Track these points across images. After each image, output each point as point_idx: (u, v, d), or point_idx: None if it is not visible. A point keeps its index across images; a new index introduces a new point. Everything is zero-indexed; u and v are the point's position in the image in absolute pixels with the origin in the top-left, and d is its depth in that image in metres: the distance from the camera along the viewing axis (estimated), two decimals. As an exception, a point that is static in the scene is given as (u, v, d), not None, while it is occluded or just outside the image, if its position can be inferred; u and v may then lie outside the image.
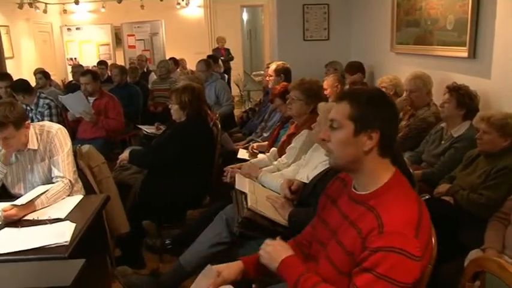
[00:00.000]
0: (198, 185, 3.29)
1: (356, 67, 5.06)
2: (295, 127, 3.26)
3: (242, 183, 2.61)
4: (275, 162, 3.20)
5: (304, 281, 1.52)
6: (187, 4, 10.93)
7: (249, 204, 2.33)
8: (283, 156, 3.15)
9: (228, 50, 9.90)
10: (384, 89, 3.84)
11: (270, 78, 4.78)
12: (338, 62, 5.56)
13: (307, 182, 2.51)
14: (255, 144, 3.95)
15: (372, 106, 1.47)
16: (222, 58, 9.39)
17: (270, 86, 4.85)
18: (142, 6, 9.99)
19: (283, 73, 4.70)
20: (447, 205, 2.65)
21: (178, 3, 10.86)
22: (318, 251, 1.66)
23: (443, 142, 3.13)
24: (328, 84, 4.51)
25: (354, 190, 1.57)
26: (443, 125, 3.20)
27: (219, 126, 3.66)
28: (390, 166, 1.53)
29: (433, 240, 1.51)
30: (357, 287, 1.36)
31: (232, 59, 9.96)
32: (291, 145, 3.09)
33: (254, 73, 9.66)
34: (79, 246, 2.00)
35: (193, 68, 7.71)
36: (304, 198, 2.42)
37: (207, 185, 3.37)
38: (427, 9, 4.02)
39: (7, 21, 8.85)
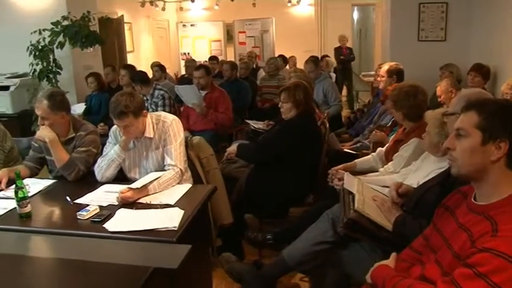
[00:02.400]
0: (302, 182, 3.27)
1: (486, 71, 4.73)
2: (403, 133, 3.08)
3: (351, 183, 2.54)
4: (381, 169, 3.07)
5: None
6: (298, 2, 10.95)
7: (355, 205, 2.27)
8: (390, 163, 3.00)
9: (350, 49, 9.59)
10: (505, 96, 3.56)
11: (382, 79, 4.63)
12: (454, 64, 5.24)
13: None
14: None
15: (502, 116, 1.48)
16: (342, 57, 9.23)
17: (381, 87, 4.69)
18: (254, 4, 10.17)
19: (396, 74, 4.52)
20: None
21: (289, 1, 10.91)
22: (428, 258, 1.66)
23: None
24: (441, 90, 4.27)
25: (473, 201, 1.56)
26: None
27: (327, 125, 3.61)
28: None
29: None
30: (454, 277, 1.37)
31: (353, 58, 9.63)
32: (399, 153, 2.93)
33: (363, 73, 9.42)
34: (186, 232, 2.07)
35: (300, 67, 7.72)
36: (410, 204, 2.30)
37: (312, 184, 3.34)
38: None
39: (130, 19, 9.53)
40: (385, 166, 3.05)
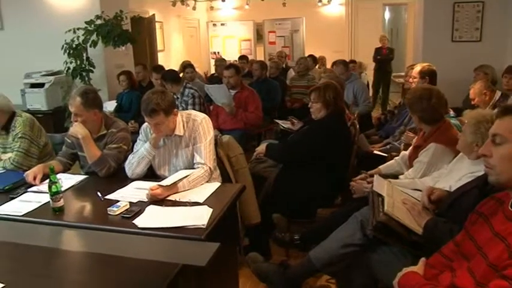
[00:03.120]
0: (331, 184, 3.25)
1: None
2: (422, 138, 2.99)
3: (380, 185, 2.51)
4: (401, 176, 3.01)
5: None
6: (329, 1, 10.87)
7: (385, 208, 2.24)
8: (410, 170, 2.95)
9: (391, 49, 9.32)
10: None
11: (414, 80, 4.54)
12: (489, 66, 5.11)
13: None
14: None
15: None
16: (378, 57, 9.08)
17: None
18: (284, 4, 10.14)
19: (428, 75, 4.43)
20: None
21: (320, 1, 10.84)
22: (460, 265, 1.62)
23: None
24: (475, 92, 4.17)
25: (511, 209, 1.51)
26: None
27: (357, 126, 3.57)
28: None
29: None
30: None
31: (391, 59, 9.34)
32: (418, 159, 2.87)
33: (394, 74, 9.27)
34: (214, 230, 2.08)
35: (329, 67, 7.68)
36: (443, 208, 2.26)
37: (340, 185, 3.31)
38: None
39: (162, 18, 9.65)
40: (405, 173, 3.00)
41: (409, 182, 2.78)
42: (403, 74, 7.11)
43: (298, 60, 6.93)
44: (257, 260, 2.83)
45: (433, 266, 1.75)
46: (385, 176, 2.90)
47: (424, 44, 6.17)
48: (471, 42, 5.90)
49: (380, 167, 3.25)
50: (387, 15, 12.13)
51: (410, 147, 3.16)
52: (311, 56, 8.47)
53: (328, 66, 8.41)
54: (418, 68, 4.61)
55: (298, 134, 3.61)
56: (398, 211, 2.26)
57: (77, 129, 2.90)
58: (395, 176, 2.99)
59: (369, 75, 9.23)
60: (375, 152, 3.87)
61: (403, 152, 3.30)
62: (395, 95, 8.98)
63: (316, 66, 8.44)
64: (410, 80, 4.68)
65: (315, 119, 3.37)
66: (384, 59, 9.04)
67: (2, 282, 1.64)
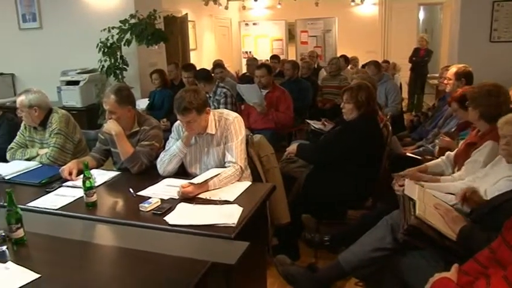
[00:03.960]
0: (361, 185, 3.21)
1: None
2: (476, 136, 2.89)
3: (411, 189, 2.47)
4: (454, 175, 2.93)
5: None
6: (362, 1, 10.76)
7: (416, 212, 2.20)
8: (462, 170, 2.83)
9: (429, 51, 9.02)
10: None
11: (449, 81, 4.44)
12: (531, 67, 4.96)
13: (484, 196, 2.30)
14: None
15: None
16: (414, 59, 8.92)
17: (448, 90, 4.50)
18: (316, 3, 10.10)
19: (464, 77, 4.33)
20: None
21: (353, 1, 10.74)
22: (495, 272, 1.58)
23: None
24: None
25: None
26: None
27: (390, 128, 3.51)
28: None
29: None
30: None
31: (427, 61, 9.06)
32: (472, 158, 2.74)
33: (428, 75, 9.08)
34: (244, 229, 2.08)
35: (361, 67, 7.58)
36: (480, 214, 2.20)
37: (371, 187, 3.27)
38: None
39: (194, 17, 9.74)
40: (456, 174, 2.88)
41: (442, 185, 2.71)
42: (437, 75, 6.96)
43: (330, 61, 6.88)
44: (285, 263, 2.83)
45: (467, 272, 1.71)
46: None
47: (460, 45, 6.03)
48: (511, 43, 5.73)
49: (427, 164, 3.16)
50: (422, 15, 11.90)
51: (461, 145, 3.04)
52: (343, 56, 8.39)
53: (361, 66, 8.32)
54: (453, 69, 4.51)
55: (329, 135, 3.59)
56: (430, 215, 2.22)
57: (110, 126, 2.95)
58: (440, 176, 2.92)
59: (403, 77, 9.06)
60: (408, 154, 3.80)
61: (448, 152, 3.19)
62: (429, 97, 8.80)
63: (349, 67, 8.35)
64: (445, 81, 4.57)
65: (347, 119, 3.33)
66: (420, 60, 8.86)
67: (38, 273, 1.70)
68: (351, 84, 3.57)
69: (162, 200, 2.38)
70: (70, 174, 2.80)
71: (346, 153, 3.20)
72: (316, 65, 8.28)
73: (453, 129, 3.74)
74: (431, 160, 3.28)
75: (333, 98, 6.22)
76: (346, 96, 3.30)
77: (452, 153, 3.10)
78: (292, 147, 3.48)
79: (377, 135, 3.34)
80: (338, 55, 8.75)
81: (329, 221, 3.45)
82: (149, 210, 2.27)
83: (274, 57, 8.34)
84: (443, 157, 3.16)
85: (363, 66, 6.38)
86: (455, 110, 3.53)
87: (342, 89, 3.64)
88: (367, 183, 3.26)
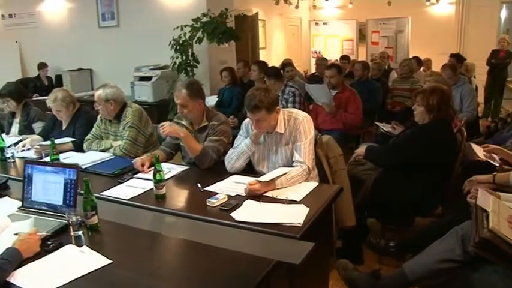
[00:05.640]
0: (431, 192, 3.09)
1: None
2: None
3: (485, 200, 2.33)
4: None
5: None
6: (437, 0, 10.35)
7: (490, 225, 2.08)
8: None
9: (510, 53, 8.38)
10: None
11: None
12: None
13: None
14: None
15: None
16: (493, 61, 8.46)
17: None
18: (389, 3, 9.85)
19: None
20: None
21: (428, 0, 10.36)
22: None
23: None
24: None
25: None
26: None
27: (464, 133, 3.35)
28: None
29: None
30: None
31: (507, 63, 8.41)
32: None
33: (508, 79, 8.58)
34: (309, 230, 2.06)
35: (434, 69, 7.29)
36: None
37: (442, 194, 3.13)
38: None
39: (265, 16, 9.81)
40: None
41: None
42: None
43: (402, 62, 6.66)
44: (347, 267, 2.77)
45: None
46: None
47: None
48: None
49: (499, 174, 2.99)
50: (504, 14, 11.25)
51: None
52: (416, 57, 8.10)
53: (434, 68, 8.01)
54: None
55: (400, 138, 3.48)
56: (506, 229, 2.09)
57: (174, 128, 3.00)
58: None
59: (480, 80, 8.61)
60: (483, 160, 3.59)
61: None
62: (508, 102, 8.33)
63: (421, 69, 8.06)
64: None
65: (419, 123, 3.22)
66: (500, 62, 8.36)
67: (110, 259, 1.78)
68: (425, 87, 3.43)
69: (229, 196, 2.41)
70: (142, 166, 2.89)
71: (416, 158, 3.08)
72: (387, 66, 8.06)
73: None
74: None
75: (404, 100, 6.03)
76: (418, 99, 3.19)
77: None
78: (361, 149, 3.40)
79: (450, 141, 3.19)
80: (410, 56, 8.47)
81: (395, 227, 3.35)
82: (216, 206, 2.29)
83: (344, 57, 8.23)
84: None
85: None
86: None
87: (413, 91, 3.53)
88: (437, 190, 3.13)
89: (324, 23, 11.22)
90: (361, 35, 10.94)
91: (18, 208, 2.35)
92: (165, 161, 3.12)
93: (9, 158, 3.40)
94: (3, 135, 3.69)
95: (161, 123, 3.08)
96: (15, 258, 1.74)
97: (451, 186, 3.16)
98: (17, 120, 4.31)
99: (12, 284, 1.65)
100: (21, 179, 2.43)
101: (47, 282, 1.64)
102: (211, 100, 5.75)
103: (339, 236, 3.11)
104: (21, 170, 2.82)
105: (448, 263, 2.30)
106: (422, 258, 2.42)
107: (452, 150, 3.19)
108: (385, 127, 4.50)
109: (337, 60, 8.17)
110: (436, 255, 2.35)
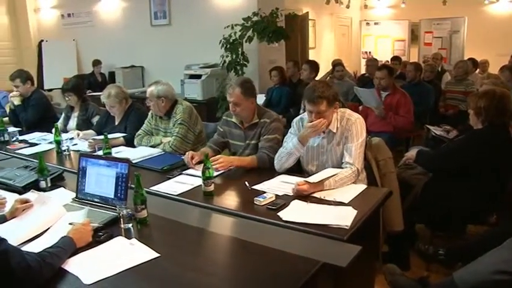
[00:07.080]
0: (485, 199, 2.97)
1: None
2: None
3: None
4: None
5: None
6: (497, -1, 9.92)
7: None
8: None
9: None
10: None
11: None
12: None
13: None
14: None
15: None
16: None
17: None
18: (444, 2, 9.50)
19: None
20: None
21: (487, -1, 9.96)
22: None
23: None
24: None
25: None
26: None
27: (524, 139, 3.21)
28: None
29: None
30: None
31: None
32: None
33: None
34: (356, 233, 2.03)
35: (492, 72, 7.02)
36: None
37: (497, 202, 3.01)
38: None
39: (315, 16, 9.74)
40: None
41: None
42: None
43: (457, 64, 6.44)
44: (395, 273, 2.72)
45: None
46: None
47: None
48: None
49: None
50: None
51: None
52: (471, 59, 7.83)
53: (491, 71, 7.71)
54: None
55: (452, 143, 3.37)
56: None
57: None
58: None
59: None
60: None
61: None
62: None
63: (477, 71, 7.77)
64: None
65: (474, 127, 3.11)
66: None
67: (158, 253, 1.81)
68: (480, 90, 3.31)
69: (276, 195, 2.41)
70: (192, 159, 2.94)
71: (469, 164, 2.98)
72: (440, 68, 7.83)
73: None
74: None
75: (457, 103, 5.84)
76: (469, 102, 3.09)
77: None
78: (412, 153, 3.32)
79: (506, 147, 3.06)
80: (465, 58, 8.19)
81: (445, 234, 3.25)
82: (263, 205, 2.30)
83: (396, 58, 8.06)
84: None
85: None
86: None
87: (467, 94, 3.40)
88: (491, 197, 3.01)
89: (375, 23, 11.03)
90: (414, 36, 10.67)
91: (73, 199, 2.44)
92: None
93: (64, 150, 3.54)
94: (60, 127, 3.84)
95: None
96: (70, 247, 1.81)
97: (507, 193, 3.04)
98: (75, 114, 4.47)
99: (66, 270, 1.71)
100: (76, 171, 2.53)
101: (97, 272, 1.69)
102: (260, 99, 5.73)
103: (386, 240, 3.06)
104: (75, 163, 2.93)
105: (504, 275, 2.19)
106: (475, 267, 2.33)
107: (508, 156, 3.06)
108: (436, 130, 4.37)
109: (388, 61, 8.03)
110: (490, 265, 2.25)
